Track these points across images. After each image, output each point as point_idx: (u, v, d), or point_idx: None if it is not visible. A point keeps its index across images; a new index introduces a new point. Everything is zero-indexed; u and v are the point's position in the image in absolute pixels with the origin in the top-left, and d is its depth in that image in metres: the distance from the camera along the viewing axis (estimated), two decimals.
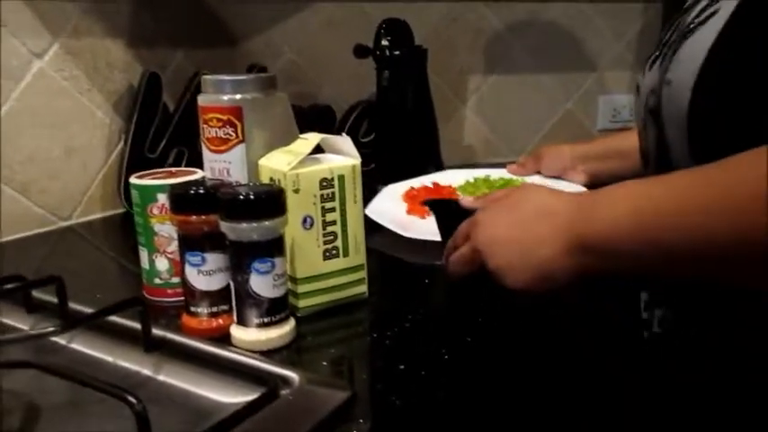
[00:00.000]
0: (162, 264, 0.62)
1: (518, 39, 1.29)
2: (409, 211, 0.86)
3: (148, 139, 0.97)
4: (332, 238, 0.60)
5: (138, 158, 0.96)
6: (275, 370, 0.46)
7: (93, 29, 0.92)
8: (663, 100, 0.52)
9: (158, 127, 0.97)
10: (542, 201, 0.55)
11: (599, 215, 0.49)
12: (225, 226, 0.52)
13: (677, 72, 0.49)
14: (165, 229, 0.61)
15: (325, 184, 0.58)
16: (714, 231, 0.41)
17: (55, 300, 0.57)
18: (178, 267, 0.59)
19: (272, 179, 0.58)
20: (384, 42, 1.00)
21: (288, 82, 1.14)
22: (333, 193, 0.59)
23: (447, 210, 0.74)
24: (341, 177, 0.59)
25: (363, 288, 0.63)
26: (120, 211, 0.97)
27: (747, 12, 0.44)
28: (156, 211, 0.61)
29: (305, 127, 1.09)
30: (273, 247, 0.53)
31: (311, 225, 0.58)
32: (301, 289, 0.59)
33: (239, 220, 0.51)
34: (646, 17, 1.33)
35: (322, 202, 0.58)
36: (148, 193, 0.61)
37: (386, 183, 1.00)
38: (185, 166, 0.99)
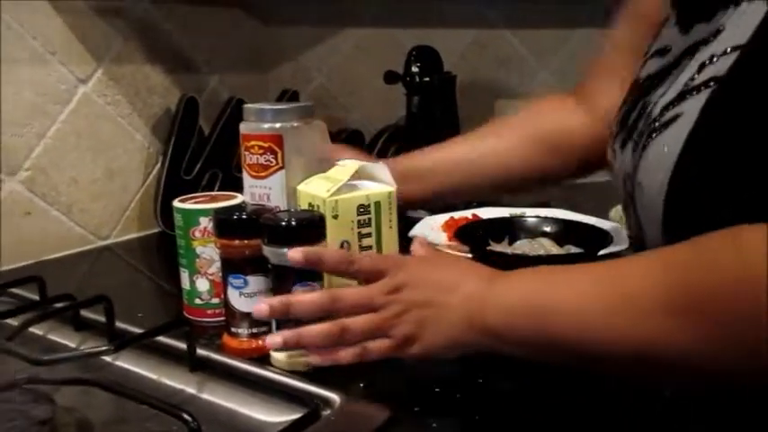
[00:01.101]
0: (203, 285, 0.64)
1: (544, 64, 1.31)
2: (451, 239, 0.87)
3: (185, 161, 1.00)
4: None
5: (174, 180, 0.99)
6: (316, 391, 0.48)
7: (134, 55, 0.96)
8: (636, 197, 0.50)
9: (194, 149, 1.00)
10: (453, 274, 0.51)
11: (495, 302, 0.47)
12: (267, 250, 0.54)
13: (647, 178, 0.47)
14: (207, 252, 0.63)
15: (362, 210, 0.60)
16: (613, 336, 0.41)
17: (100, 318, 0.59)
18: (219, 288, 0.61)
19: (311, 204, 0.60)
20: (414, 69, 1.03)
21: (318, 106, 1.17)
22: (369, 219, 0.61)
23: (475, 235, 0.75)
24: (377, 204, 0.61)
25: None
26: (156, 230, 1.00)
27: (712, 120, 0.42)
28: (198, 234, 0.63)
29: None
30: (313, 271, 0.54)
31: (348, 250, 0.60)
32: None
33: (281, 245, 0.53)
34: None
35: (359, 228, 0.60)
36: (191, 217, 0.63)
37: (414, 207, 1.02)
38: (219, 188, 1.02)
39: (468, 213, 0.98)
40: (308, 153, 0.63)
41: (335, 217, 0.58)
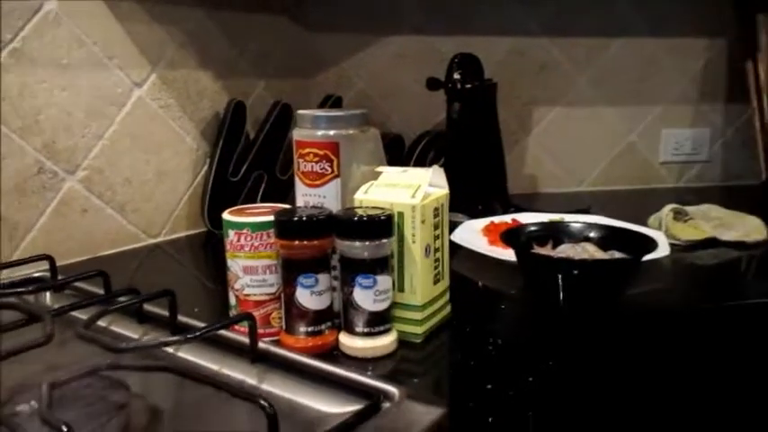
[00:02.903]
0: (231, 298, 0.64)
1: (581, 72, 1.32)
2: (491, 243, 0.89)
3: (231, 163, 1.03)
4: (438, 263, 0.64)
5: (221, 181, 1.02)
6: (377, 384, 0.50)
7: (186, 60, 0.99)
8: None
9: (240, 152, 1.03)
10: None
11: None
12: (342, 244, 0.58)
13: None
14: (234, 266, 0.62)
15: (436, 212, 0.62)
16: None
17: (160, 312, 0.62)
18: (243, 305, 0.62)
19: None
20: (456, 76, 1.05)
21: None
22: (440, 221, 0.63)
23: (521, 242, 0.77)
24: (442, 206, 0.63)
25: (449, 309, 0.67)
26: (203, 230, 1.03)
27: None
28: (228, 247, 0.62)
29: None
30: (377, 265, 0.58)
31: (429, 253, 0.62)
32: (423, 315, 0.62)
33: (356, 239, 0.57)
34: (711, 53, 1.35)
35: (435, 230, 0.63)
36: (225, 228, 0.62)
37: (454, 210, 1.04)
38: (264, 191, 1.05)
39: (507, 218, 0.99)
40: (364, 161, 0.65)
41: (423, 222, 0.60)
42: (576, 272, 0.69)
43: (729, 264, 0.90)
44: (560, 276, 0.69)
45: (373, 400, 0.48)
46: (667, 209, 0.99)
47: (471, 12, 1.26)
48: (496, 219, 0.98)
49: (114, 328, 0.65)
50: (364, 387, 0.50)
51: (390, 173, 0.65)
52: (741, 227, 0.97)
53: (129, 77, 0.91)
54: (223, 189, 1.02)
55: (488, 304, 0.75)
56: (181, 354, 0.60)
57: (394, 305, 0.61)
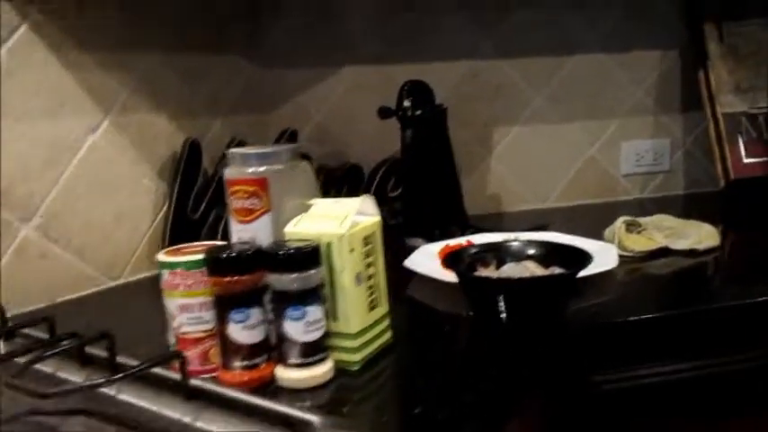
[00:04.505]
0: (170, 337, 0.64)
1: (538, 91, 1.35)
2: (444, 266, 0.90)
3: (190, 201, 1.04)
4: (373, 290, 0.65)
5: (180, 220, 1.03)
6: (301, 415, 0.51)
7: (140, 104, 1.01)
8: None
9: (199, 190, 1.05)
10: None
11: None
12: (272, 278, 0.59)
13: None
14: (171, 305, 0.63)
15: (367, 241, 0.64)
16: None
17: (105, 354, 0.63)
18: (182, 344, 0.63)
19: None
20: (406, 103, 1.07)
21: (318, 143, 1.22)
22: (372, 248, 0.65)
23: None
24: (375, 233, 0.65)
25: (390, 335, 0.68)
26: None
27: None
28: (163, 286, 0.63)
29: (335, 185, 1.16)
30: (306, 296, 0.59)
31: (361, 281, 0.63)
32: (358, 343, 0.63)
33: (284, 272, 0.58)
34: (664, 64, 1.37)
35: (366, 258, 0.64)
36: (160, 269, 0.63)
37: (413, 235, 1.06)
38: (224, 227, 1.06)
39: (462, 240, 1.00)
40: (296, 194, 0.66)
41: (352, 251, 0.62)
42: (514, 290, 0.70)
43: (680, 272, 0.91)
44: (500, 297, 0.70)
45: (295, 430, 0.48)
46: (620, 221, 1.00)
47: (426, 39, 1.29)
48: (452, 242, 1.00)
49: (59, 374, 0.65)
50: (291, 418, 0.51)
51: (321, 205, 0.66)
52: (694, 235, 0.98)
53: (82, 124, 0.93)
54: (183, 227, 1.03)
55: (435, 327, 0.76)
56: (121, 396, 0.60)
57: (328, 334, 0.62)
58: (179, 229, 1.03)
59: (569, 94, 1.35)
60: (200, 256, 0.61)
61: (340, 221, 0.62)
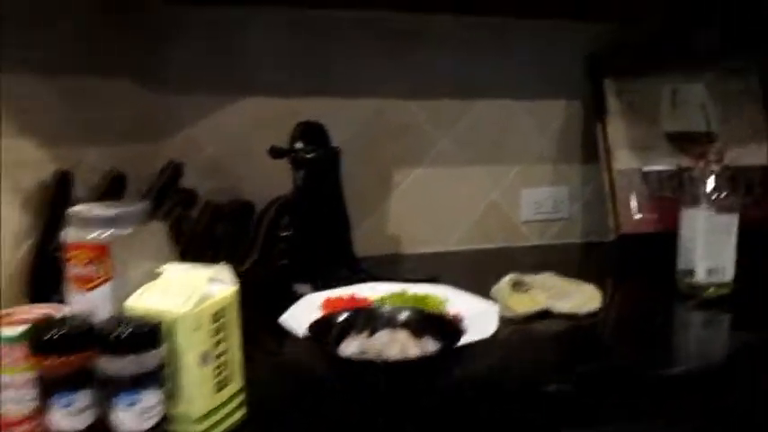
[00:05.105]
0: None
1: (444, 133, 1.34)
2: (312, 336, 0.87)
3: (58, 235, 0.96)
4: (222, 368, 0.60)
5: (46, 257, 0.95)
6: None
7: (5, 129, 0.93)
8: None
9: None
10: None
11: None
12: (103, 360, 0.53)
13: None
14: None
15: (217, 316, 0.59)
16: None
17: None
18: (4, 424, 0.57)
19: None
20: (298, 145, 1.03)
21: (208, 177, 1.16)
22: (224, 323, 0.60)
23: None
24: (228, 306, 0.60)
25: (244, 411, 0.64)
26: None
27: None
28: None
29: (223, 222, 1.10)
30: (142, 380, 0.54)
31: (208, 360, 0.58)
32: (202, 427, 0.58)
33: (118, 354, 0.53)
34: (567, 113, 1.39)
35: (215, 335, 0.59)
36: None
37: (299, 279, 1.02)
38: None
39: (348, 292, 0.97)
40: (143, 260, 0.61)
41: (197, 329, 0.57)
42: (380, 371, 0.67)
43: (558, 336, 0.92)
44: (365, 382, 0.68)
45: None
46: (506, 279, 1.00)
47: (332, 73, 1.25)
48: (334, 293, 0.96)
49: None
50: None
51: (172, 271, 0.61)
52: (577, 296, 0.99)
53: None
54: (49, 264, 0.95)
55: (300, 397, 0.72)
56: None
57: (167, 419, 0.57)
58: (44, 266, 0.95)
59: (475, 138, 1.35)
60: (22, 330, 0.55)
61: (188, 296, 0.57)
